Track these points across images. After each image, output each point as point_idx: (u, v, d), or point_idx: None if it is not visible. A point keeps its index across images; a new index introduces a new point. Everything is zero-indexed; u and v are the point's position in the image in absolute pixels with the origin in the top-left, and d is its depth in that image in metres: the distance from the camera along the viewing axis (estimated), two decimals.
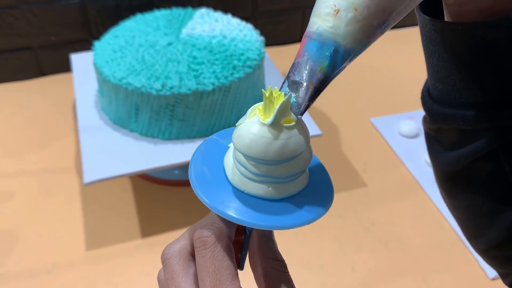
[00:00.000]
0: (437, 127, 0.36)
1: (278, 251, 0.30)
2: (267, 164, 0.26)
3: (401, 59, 1.09)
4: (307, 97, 0.26)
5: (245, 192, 0.28)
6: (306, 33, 0.26)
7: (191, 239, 0.30)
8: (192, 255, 0.30)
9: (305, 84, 0.26)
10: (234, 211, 0.26)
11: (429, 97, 0.36)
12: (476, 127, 0.32)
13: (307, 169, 0.29)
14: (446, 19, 0.32)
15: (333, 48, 0.25)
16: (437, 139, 0.37)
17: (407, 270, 0.64)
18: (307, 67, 0.26)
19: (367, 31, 0.25)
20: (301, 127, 0.27)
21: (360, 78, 1.03)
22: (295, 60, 0.26)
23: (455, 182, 0.36)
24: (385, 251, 0.67)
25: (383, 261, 0.65)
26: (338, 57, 0.26)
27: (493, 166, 0.33)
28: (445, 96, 0.34)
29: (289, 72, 0.27)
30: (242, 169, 0.27)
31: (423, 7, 0.33)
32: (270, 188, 0.27)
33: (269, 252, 0.30)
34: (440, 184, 0.39)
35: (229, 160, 0.29)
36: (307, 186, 0.29)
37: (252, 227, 0.27)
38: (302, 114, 0.26)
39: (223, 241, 0.28)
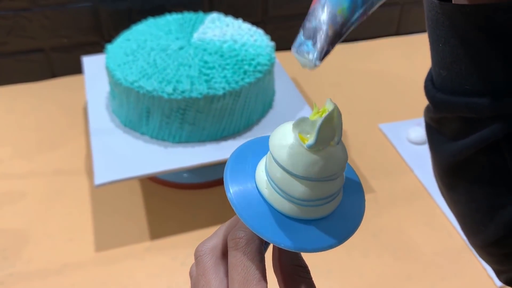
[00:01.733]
0: (439, 116, 0.35)
1: (301, 257, 0.31)
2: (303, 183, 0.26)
3: (410, 65, 1.09)
4: (326, 42, 0.24)
5: (278, 210, 0.28)
6: None
7: (224, 238, 0.31)
8: (224, 254, 0.31)
9: (324, 28, 0.24)
10: (267, 231, 0.27)
11: (432, 86, 0.35)
12: (480, 115, 0.31)
13: (342, 189, 0.29)
14: (454, 1, 0.31)
15: None
16: (439, 130, 0.36)
17: (415, 277, 0.64)
18: (325, 10, 0.24)
19: None
20: (340, 149, 0.26)
21: (369, 83, 1.03)
22: (311, 7, 0.25)
23: (455, 174, 0.36)
24: (393, 257, 0.67)
25: (391, 268, 0.65)
26: None
27: (495, 158, 0.32)
28: (449, 84, 0.32)
29: (305, 20, 0.25)
30: (279, 191, 0.27)
31: None
32: (301, 209, 0.27)
33: (292, 258, 0.30)
34: (440, 177, 0.38)
35: (262, 180, 0.28)
36: (340, 206, 0.29)
37: (277, 245, 0.27)
38: (321, 59, 0.24)
39: (254, 243, 0.29)
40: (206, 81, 0.65)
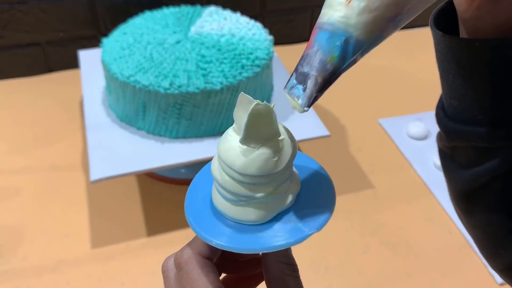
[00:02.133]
0: (452, 145, 0.35)
1: (291, 255, 0.30)
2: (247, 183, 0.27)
3: (410, 60, 1.08)
4: (315, 89, 0.25)
5: (229, 217, 0.28)
6: (316, 25, 0.26)
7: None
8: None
9: (314, 75, 0.25)
10: (219, 238, 0.28)
11: (444, 115, 0.35)
12: (493, 145, 0.31)
13: (296, 183, 0.29)
14: (461, 35, 0.31)
15: (344, 38, 0.25)
16: (452, 157, 0.36)
17: (414, 274, 0.64)
18: (317, 57, 0.25)
19: (380, 23, 0.25)
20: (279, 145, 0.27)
21: (369, 78, 1.02)
22: (304, 52, 0.26)
23: (471, 200, 0.36)
24: (392, 254, 0.66)
25: (390, 265, 0.65)
26: (349, 48, 0.25)
27: (510, 184, 0.32)
28: (462, 114, 0.33)
29: (297, 64, 0.26)
30: (223, 193, 0.28)
31: (437, 23, 0.32)
32: (252, 211, 0.28)
33: (281, 256, 0.29)
34: (456, 203, 0.38)
35: (213, 190, 0.30)
36: (301, 197, 0.29)
37: (235, 251, 0.27)
38: (310, 106, 0.25)
39: (195, 260, 0.29)
40: (204, 75, 0.64)
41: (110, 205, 0.71)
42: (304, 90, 0.25)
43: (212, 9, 0.79)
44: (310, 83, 0.25)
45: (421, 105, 0.91)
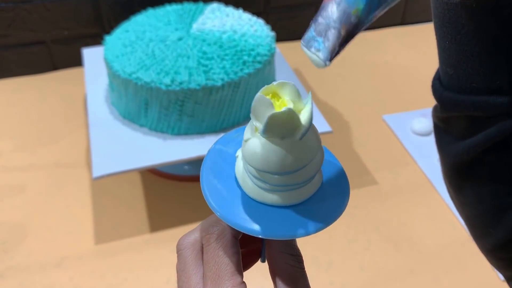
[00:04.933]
0: (447, 115, 0.35)
1: (295, 246, 0.30)
2: (280, 175, 0.26)
3: (415, 55, 1.07)
4: (338, 42, 0.24)
5: (258, 201, 0.27)
6: None
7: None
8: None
9: (337, 27, 0.24)
10: (242, 221, 0.26)
11: (439, 84, 0.34)
12: (487, 114, 0.31)
13: (320, 170, 0.29)
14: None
15: None
16: (446, 130, 0.36)
17: (417, 270, 0.64)
18: (340, 9, 0.24)
19: None
20: (311, 133, 0.25)
21: (373, 74, 1.01)
22: (324, 2, 0.24)
23: (463, 175, 0.35)
24: (395, 250, 0.66)
25: (393, 261, 0.65)
26: (375, 0, 0.24)
27: (503, 156, 0.32)
28: (456, 82, 0.32)
29: (316, 15, 0.24)
30: (254, 180, 0.27)
31: None
32: (283, 196, 0.27)
33: (286, 247, 0.29)
34: (447, 179, 0.38)
35: (239, 170, 0.28)
36: (321, 188, 0.28)
37: (261, 237, 0.27)
38: (331, 60, 0.24)
39: (225, 237, 0.28)
40: (205, 72, 0.65)
41: (113, 201, 0.72)
42: (325, 42, 0.24)
43: (214, 6, 0.79)
44: (333, 35, 0.23)
45: (425, 101, 0.91)
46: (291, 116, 0.23)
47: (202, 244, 0.30)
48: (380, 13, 0.24)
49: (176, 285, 0.32)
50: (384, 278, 0.62)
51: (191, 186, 0.74)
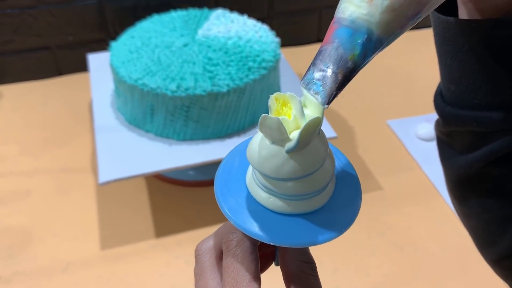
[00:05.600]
0: (449, 130, 0.35)
1: (308, 252, 0.30)
2: (282, 181, 0.26)
3: (419, 60, 1.07)
4: (335, 86, 0.24)
5: (268, 208, 0.27)
6: (335, 20, 0.25)
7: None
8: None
9: (335, 72, 0.24)
10: (257, 229, 0.26)
11: (441, 100, 0.35)
12: (489, 129, 0.31)
13: (334, 179, 0.28)
14: (460, 16, 0.31)
15: (366, 36, 0.24)
16: (449, 144, 0.36)
17: (422, 276, 0.64)
18: (337, 54, 0.24)
19: (401, 21, 0.24)
20: (319, 140, 0.25)
21: (377, 79, 1.01)
22: (322, 46, 0.25)
23: (467, 187, 0.36)
24: (400, 255, 0.66)
25: (398, 266, 0.65)
26: (371, 46, 0.25)
27: (506, 170, 0.32)
28: (459, 98, 0.33)
29: (315, 59, 0.25)
30: (261, 186, 0.27)
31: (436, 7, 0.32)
32: (293, 205, 0.27)
33: (300, 254, 0.29)
34: (451, 191, 0.38)
35: (249, 177, 0.28)
36: (334, 196, 0.28)
37: (270, 244, 0.27)
38: (329, 103, 0.25)
39: (245, 244, 0.28)
40: (210, 78, 0.65)
41: (119, 207, 0.72)
42: (323, 86, 0.25)
43: (219, 12, 0.79)
44: (330, 80, 0.24)
45: (430, 106, 0.90)
46: (278, 126, 0.24)
47: (221, 250, 0.30)
48: (374, 56, 0.25)
49: None
50: (389, 284, 0.62)
51: (197, 191, 0.74)
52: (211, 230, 0.75)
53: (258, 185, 0.27)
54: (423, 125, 0.85)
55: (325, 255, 0.65)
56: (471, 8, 0.29)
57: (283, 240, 0.26)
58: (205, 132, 0.68)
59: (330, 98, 0.25)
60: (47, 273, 0.63)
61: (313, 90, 0.25)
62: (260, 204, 0.27)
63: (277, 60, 0.71)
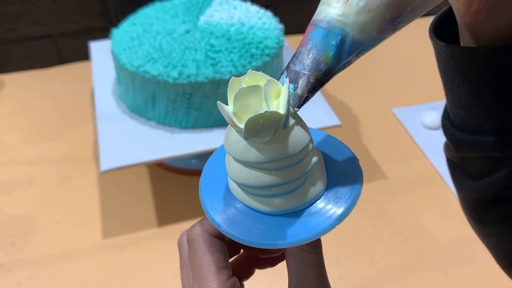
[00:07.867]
0: (461, 155, 0.33)
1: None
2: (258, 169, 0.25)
3: (425, 48, 1.06)
4: (307, 89, 0.24)
5: (245, 204, 0.27)
6: (312, 21, 0.25)
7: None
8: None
9: (306, 74, 0.24)
10: (228, 227, 0.26)
11: (450, 125, 0.33)
12: (504, 154, 0.30)
13: (318, 179, 0.27)
14: (462, 43, 0.30)
15: (340, 37, 0.24)
16: (462, 167, 0.35)
17: (427, 265, 0.63)
18: (310, 56, 0.24)
19: (378, 23, 0.23)
20: (285, 134, 0.24)
21: (382, 67, 1.00)
22: (297, 49, 0.25)
23: (485, 210, 0.34)
24: (405, 244, 0.65)
25: (403, 255, 0.64)
26: (345, 48, 0.24)
27: None
28: (469, 123, 0.31)
29: (289, 62, 0.25)
30: (240, 185, 0.27)
31: (437, 34, 0.31)
32: (274, 202, 0.26)
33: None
34: (469, 213, 0.37)
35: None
36: (329, 186, 0.27)
37: (243, 243, 0.26)
38: (300, 106, 0.24)
39: (202, 238, 0.29)
40: (212, 65, 0.64)
41: (121, 195, 0.72)
42: (295, 89, 0.24)
43: None
44: (302, 83, 0.24)
45: (435, 94, 0.90)
46: (228, 116, 0.24)
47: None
48: (352, 61, 0.24)
49: None
50: (393, 273, 0.62)
51: (199, 179, 0.74)
52: None
53: (236, 185, 0.27)
54: (429, 114, 0.84)
55: (328, 244, 0.65)
56: (471, 30, 0.28)
57: (239, 237, 0.25)
58: (208, 120, 0.67)
59: (301, 101, 0.24)
60: (49, 262, 0.62)
61: None
62: (243, 204, 0.27)
63: (280, 47, 0.70)
